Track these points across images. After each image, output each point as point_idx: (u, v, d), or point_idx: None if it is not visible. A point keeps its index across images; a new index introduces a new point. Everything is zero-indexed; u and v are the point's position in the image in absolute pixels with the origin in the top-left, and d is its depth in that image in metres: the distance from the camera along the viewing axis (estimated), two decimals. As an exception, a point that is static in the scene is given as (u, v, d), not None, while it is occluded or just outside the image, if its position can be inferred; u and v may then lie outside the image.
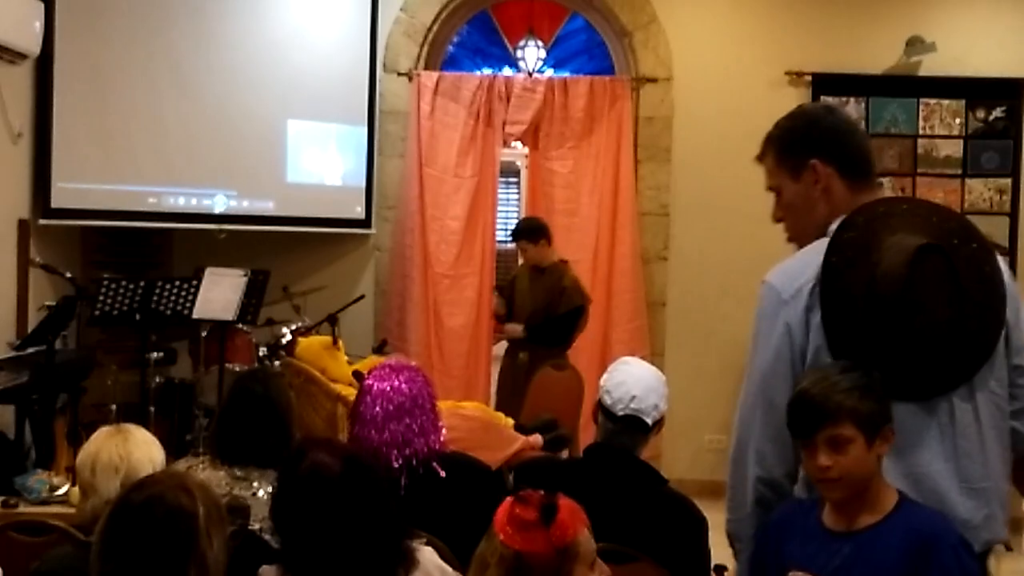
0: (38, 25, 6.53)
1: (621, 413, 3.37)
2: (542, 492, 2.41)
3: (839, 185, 2.64)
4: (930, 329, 2.46)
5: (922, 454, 2.50)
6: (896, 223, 2.52)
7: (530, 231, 7.30)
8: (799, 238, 2.71)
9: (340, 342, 6.87)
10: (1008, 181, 7.93)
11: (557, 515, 2.36)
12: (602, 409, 3.43)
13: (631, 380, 3.44)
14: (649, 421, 3.39)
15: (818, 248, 2.55)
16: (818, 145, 2.65)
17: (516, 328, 7.36)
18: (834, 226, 2.57)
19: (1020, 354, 2.60)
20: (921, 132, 7.92)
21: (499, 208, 8.78)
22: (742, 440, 2.61)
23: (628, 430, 3.39)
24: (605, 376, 3.51)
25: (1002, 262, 2.61)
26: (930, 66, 7.87)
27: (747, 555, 2.64)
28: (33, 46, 6.50)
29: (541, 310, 7.25)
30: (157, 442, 3.23)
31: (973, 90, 7.90)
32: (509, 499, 2.43)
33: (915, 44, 7.78)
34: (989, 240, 2.60)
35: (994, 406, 2.56)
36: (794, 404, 2.48)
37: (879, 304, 2.44)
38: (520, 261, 7.65)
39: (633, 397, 3.38)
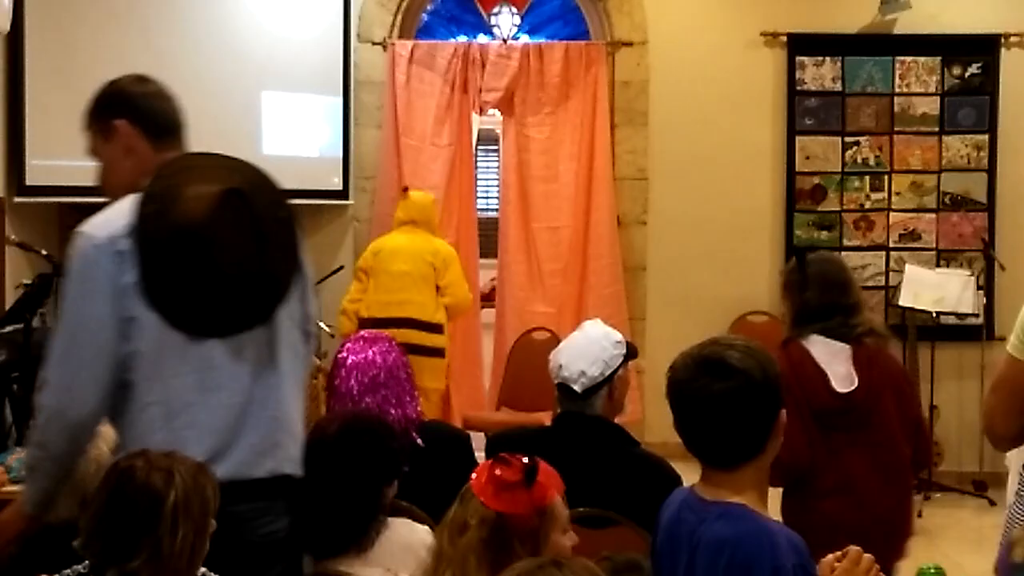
0: (7, 1, 6.47)
1: (555, 381, 3.44)
2: (523, 455, 2.43)
3: (143, 145, 2.84)
4: (234, 267, 2.69)
5: (232, 388, 2.71)
6: (197, 175, 2.75)
7: None
8: (112, 194, 2.87)
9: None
10: (985, 137, 7.90)
11: (537, 477, 2.38)
12: None
13: (564, 348, 3.51)
14: (577, 388, 3.39)
15: (130, 200, 2.72)
16: (122, 109, 2.86)
17: None
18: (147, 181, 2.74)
19: (309, 321, 2.98)
20: (897, 90, 7.90)
21: (480, 176, 8.75)
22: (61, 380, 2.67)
23: (567, 397, 3.43)
24: None
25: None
26: (905, 24, 7.84)
27: None
28: (3, 22, 6.44)
29: None
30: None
31: (949, 47, 7.87)
32: (488, 462, 2.47)
33: (890, 2, 7.74)
34: (281, 190, 2.87)
35: (292, 350, 2.85)
36: None
37: (183, 243, 2.65)
38: None
39: (560, 366, 3.43)
